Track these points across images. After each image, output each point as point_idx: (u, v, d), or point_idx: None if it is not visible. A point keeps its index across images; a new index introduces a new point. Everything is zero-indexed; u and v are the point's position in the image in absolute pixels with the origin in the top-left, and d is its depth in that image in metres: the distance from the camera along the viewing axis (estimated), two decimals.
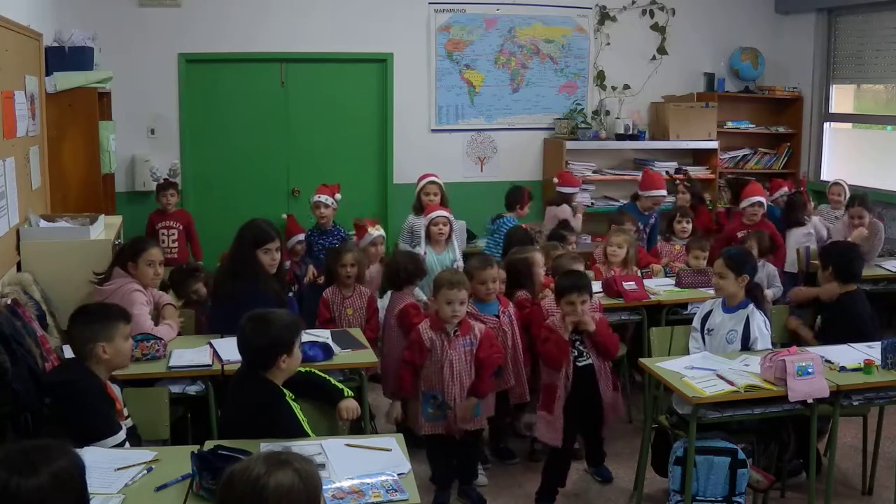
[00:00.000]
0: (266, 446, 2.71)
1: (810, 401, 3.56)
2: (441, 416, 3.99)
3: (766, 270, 5.46)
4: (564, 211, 6.40)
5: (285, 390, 3.03)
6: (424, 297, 5.00)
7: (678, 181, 6.99)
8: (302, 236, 6.36)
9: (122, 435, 2.99)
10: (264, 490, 1.80)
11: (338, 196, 5.95)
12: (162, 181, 6.27)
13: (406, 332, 4.54)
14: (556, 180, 6.67)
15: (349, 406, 3.23)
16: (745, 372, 3.65)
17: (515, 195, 6.28)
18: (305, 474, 1.86)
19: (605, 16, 7.56)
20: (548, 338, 4.02)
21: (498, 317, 4.34)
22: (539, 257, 4.80)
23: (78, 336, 3.06)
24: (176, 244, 6.16)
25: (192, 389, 3.65)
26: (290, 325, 3.07)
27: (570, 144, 7.25)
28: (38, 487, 1.83)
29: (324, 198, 5.89)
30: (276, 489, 1.81)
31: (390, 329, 4.64)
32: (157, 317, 4.24)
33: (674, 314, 4.98)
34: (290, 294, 5.00)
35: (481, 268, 4.36)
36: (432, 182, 5.72)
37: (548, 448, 4.16)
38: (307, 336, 3.83)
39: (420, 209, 5.71)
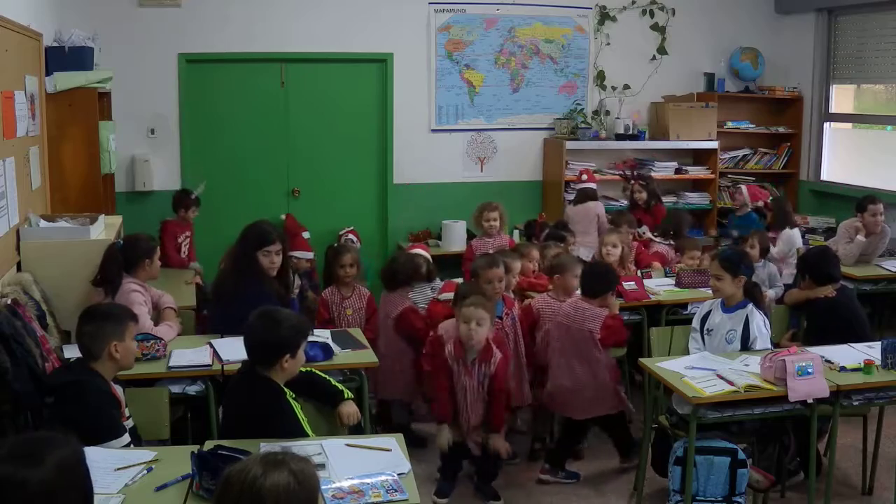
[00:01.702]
0: (266, 446, 2.71)
1: (810, 401, 3.56)
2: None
3: (768, 270, 5.47)
4: (598, 208, 6.53)
5: (286, 389, 3.03)
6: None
7: (633, 181, 6.93)
8: (307, 234, 6.35)
9: (126, 437, 2.99)
10: (261, 491, 1.80)
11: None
12: (193, 198, 6.29)
13: (404, 336, 4.57)
14: (584, 177, 6.78)
15: (349, 412, 3.23)
16: (745, 372, 3.65)
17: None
18: (302, 475, 1.86)
19: (605, 16, 7.55)
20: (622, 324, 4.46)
21: (501, 318, 4.34)
22: (517, 265, 4.85)
23: (90, 336, 3.05)
24: (187, 250, 6.23)
25: (192, 389, 3.65)
26: (298, 326, 3.09)
27: (570, 144, 7.25)
28: (44, 479, 1.79)
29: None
30: (273, 490, 1.81)
31: (387, 330, 4.65)
32: (157, 316, 4.25)
33: (674, 314, 4.99)
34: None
35: (487, 267, 4.42)
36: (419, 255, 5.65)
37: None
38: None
39: None
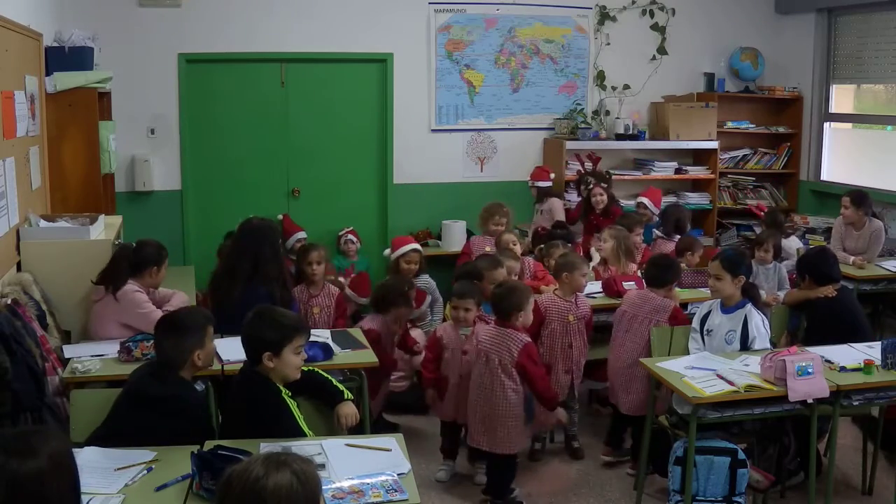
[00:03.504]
0: (266, 446, 2.71)
1: (810, 401, 3.56)
2: None
3: (779, 274, 5.47)
4: (555, 206, 6.67)
5: (282, 388, 3.02)
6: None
7: (593, 185, 6.66)
8: (303, 234, 6.39)
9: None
10: (263, 492, 1.80)
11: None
12: None
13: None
14: (552, 175, 6.89)
15: (348, 413, 3.21)
16: (745, 372, 3.65)
17: None
18: (304, 475, 1.86)
19: (605, 16, 7.55)
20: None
21: None
22: (515, 265, 4.95)
23: (173, 348, 3.11)
24: None
25: None
26: (284, 325, 3.04)
27: (570, 144, 7.24)
28: (38, 469, 1.85)
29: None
30: (275, 491, 1.81)
31: None
32: None
33: None
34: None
35: (491, 268, 4.46)
36: (416, 250, 5.57)
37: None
38: None
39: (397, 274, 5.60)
